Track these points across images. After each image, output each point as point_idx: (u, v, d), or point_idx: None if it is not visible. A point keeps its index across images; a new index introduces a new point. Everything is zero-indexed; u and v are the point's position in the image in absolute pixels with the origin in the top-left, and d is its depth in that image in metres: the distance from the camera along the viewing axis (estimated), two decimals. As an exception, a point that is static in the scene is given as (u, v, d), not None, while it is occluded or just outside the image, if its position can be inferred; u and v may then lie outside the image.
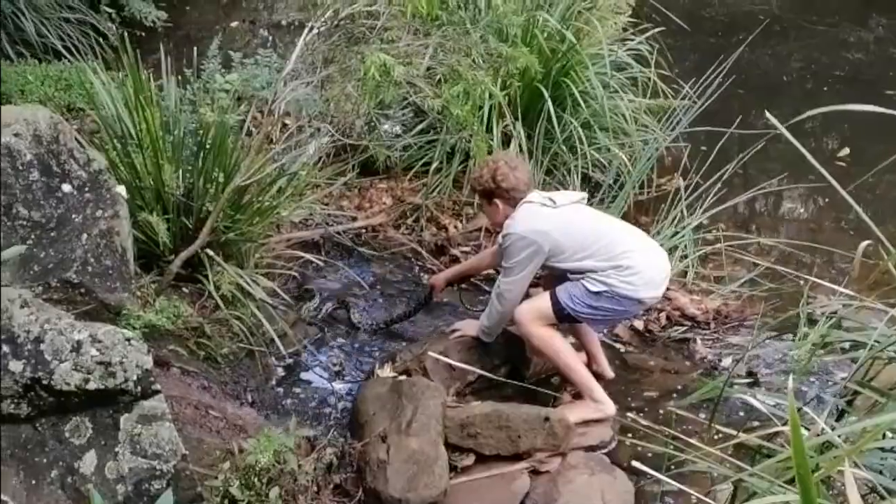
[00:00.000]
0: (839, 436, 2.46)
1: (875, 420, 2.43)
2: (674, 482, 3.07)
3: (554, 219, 4.45)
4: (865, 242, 2.83)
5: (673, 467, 3.26)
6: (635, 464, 3.78)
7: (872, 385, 2.76)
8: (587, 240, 4.44)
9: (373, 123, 6.07)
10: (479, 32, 6.00)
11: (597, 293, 4.39)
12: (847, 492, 1.54)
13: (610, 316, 4.58)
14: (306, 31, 5.57)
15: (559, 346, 4.50)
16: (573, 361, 4.53)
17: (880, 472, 2.50)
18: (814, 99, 8.27)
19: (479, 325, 4.62)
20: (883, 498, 2.31)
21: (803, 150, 2.58)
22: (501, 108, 6.03)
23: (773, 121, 2.65)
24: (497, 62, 5.93)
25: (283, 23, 9.62)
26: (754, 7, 11.12)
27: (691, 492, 3.00)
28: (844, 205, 2.70)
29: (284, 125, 5.66)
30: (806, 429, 2.61)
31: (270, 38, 9.30)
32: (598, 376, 4.69)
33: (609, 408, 4.48)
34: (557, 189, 5.63)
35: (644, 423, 4.20)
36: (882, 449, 2.60)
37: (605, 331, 5.20)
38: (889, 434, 2.54)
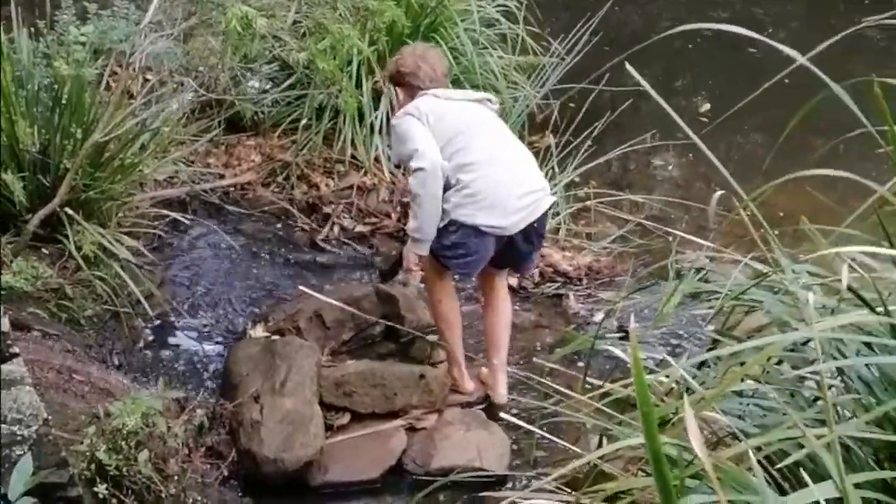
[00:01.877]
0: (701, 383, 2.55)
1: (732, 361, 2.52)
2: (546, 434, 3.15)
3: (437, 105, 4.26)
4: (719, 193, 2.91)
5: (546, 419, 3.34)
6: (507, 416, 3.87)
7: (730, 333, 2.85)
8: (447, 135, 4.15)
9: (238, 78, 5.94)
10: (343, -15, 5.95)
11: (444, 225, 4.13)
12: (688, 428, 1.60)
13: (463, 255, 4.17)
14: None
15: (443, 313, 4.37)
16: (449, 334, 4.41)
17: (740, 418, 2.60)
18: (681, 57, 8.45)
19: (408, 231, 4.30)
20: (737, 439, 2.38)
21: (665, 105, 2.62)
22: (371, 63, 5.99)
23: (637, 76, 2.69)
24: (364, 16, 5.89)
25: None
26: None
27: (562, 442, 3.06)
28: (712, 162, 2.77)
29: (146, 80, 5.50)
30: (665, 377, 2.69)
31: (127, -11, 9.02)
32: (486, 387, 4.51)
33: (468, 390, 4.45)
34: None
35: (521, 374, 4.29)
36: (740, 394, 2.71)
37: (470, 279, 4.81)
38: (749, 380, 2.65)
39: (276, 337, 4.43)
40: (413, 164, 4.09)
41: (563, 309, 5.21)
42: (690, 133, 2.68)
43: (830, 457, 1.79)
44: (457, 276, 4.51)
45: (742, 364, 2.64)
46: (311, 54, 5.49)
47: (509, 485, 4.00)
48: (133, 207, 4.71)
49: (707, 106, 7.78)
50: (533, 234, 4.25)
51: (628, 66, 2.68)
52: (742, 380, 2.55)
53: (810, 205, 3.58)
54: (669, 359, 2.62)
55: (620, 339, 4.87)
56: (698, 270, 3.63)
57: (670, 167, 7.16)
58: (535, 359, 4.70)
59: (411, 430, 4.19)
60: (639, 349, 1.49)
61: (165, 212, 4.89)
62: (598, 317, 5.13)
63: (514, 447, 4.17)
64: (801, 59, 2.40)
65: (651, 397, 1.28)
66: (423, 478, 3.85)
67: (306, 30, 5.80)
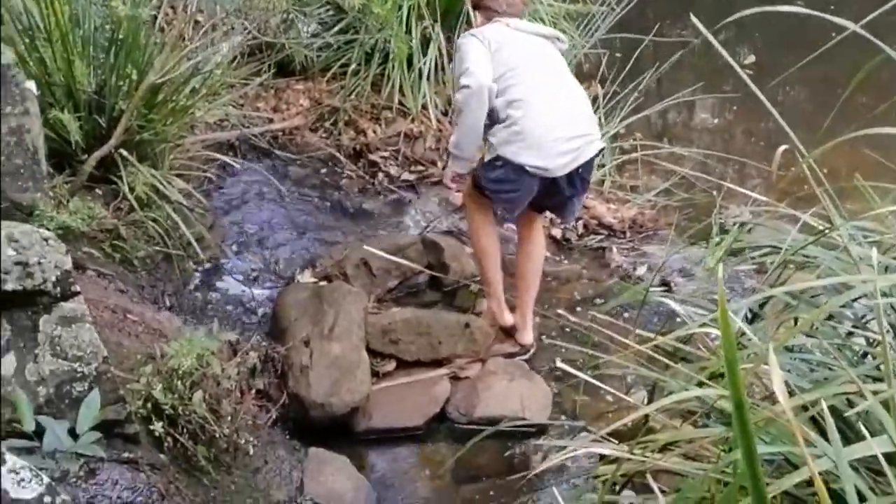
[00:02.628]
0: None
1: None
2: (593, 380, 3.19)
3: (503, 33, 4.28)
4: (783, 147, 2.92)
5: (590, 371, 3.39)
6: (559, 363, 3.92)
7: (782, 289, 2.88)
8: (505, 65, 4.17)
9: (290, 21, 5.95)
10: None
11: (490, 159, 4.18)
12: (773, 381, 1.64)
13: (507, 192, 4.20)
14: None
15: (482, 244, 4.42)
16: (487, 266, 4.44)
17: (788, 372, 2.65)
18: (727, 8, 8.35)
19: (449, 147, 4.39)
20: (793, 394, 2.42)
21: (724, 53, 2.64)
22: (420, 8, 5.98)
23: (698, 23, 2.70)
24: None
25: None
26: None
27: (610, 389, 3.11)
28: (755, 115, 2.79)
29: (197, 22, 5.53)
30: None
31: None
32: (509, 333, 4.53)
33: (507, 323, 4.48)
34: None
35: (573, 320, 4.34)
36: (790, 350, 2.76)
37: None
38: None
39: (323, 283, 4.51)
40: (461, 81, 4.12)
41: (606, 261, 5.25)
42: (751, 83, 2.70)
43: (888, 414, 1.84)
44: (498, 212, 4.53)
45: (796, 320, 2.70)
46: (368, -1, 5.51)
47: (552, 433, 4.07)
48: (185, 150, 4.76)
49: (752, 58, 7.72)
50: (577, 178, 4.23)
51: (693, 18, 2.70)
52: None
53: (860, 163, 3.60)
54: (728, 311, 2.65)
55: (664, 293, 4.91)
56: (742, 225, 3.67)
57: (715, 120, 7.14)
58: (578, 309, 4.76)
59: (455, 378, 4.26)
60: (724, 292, 1.52)
61: (216, 155, 4.94)
62: (641, 270, 5.17)
63: (557, 399, 4.24)
64: (854, 27, 2.41)
65: (731, 343, 1.31)
66: (466, 426, 3.94)
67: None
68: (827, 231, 2.64)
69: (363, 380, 3.99)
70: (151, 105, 4.49)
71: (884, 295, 2.27)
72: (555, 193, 4.24)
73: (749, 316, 3.20)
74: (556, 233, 5.35)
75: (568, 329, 4.58)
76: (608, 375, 3.48)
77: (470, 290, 4.71)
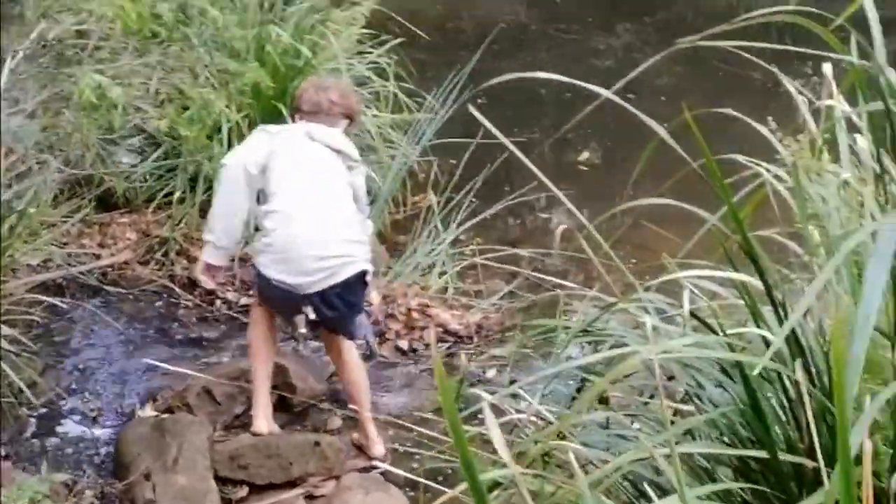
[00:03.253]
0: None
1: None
2: (445, 489, 3.47)
3: (291, 137, 4.58)
4: (562, 227, 3.35)
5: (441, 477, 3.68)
6: (411, 475, 4.20)
7: (596, 371, 3.23)
8: (276, 172, 4.44)
9: (104, 154, 6.19)
10: (203, 48, 6.28)
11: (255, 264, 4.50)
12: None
13: (267, 298, 4.52)
14: (9, 56, 5.63)
15: (251, 343, 4.66)
16: (253, 367, 4.66)
17: (607, 450, 3.01)
18: (571, 108, 8.95)
19: (203, 232, 4.70)
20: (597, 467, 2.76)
21: (523, 157, 3.01)
22: (241, 128, 6.24)
23: (484, 121, 3.04)
24: (225, 79, 6.23)
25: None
26: (503, 17, 11.82)
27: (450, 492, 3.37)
28: (593, 211, 3.18)
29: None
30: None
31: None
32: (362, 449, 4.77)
33: (260, 430, 4.59)
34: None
35: (424, 431, 4.63)
36: (607, 426, 3.14)
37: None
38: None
39: (165, 415, 4.70)
40: (221, 161, 4.53)
41: (456, 368, 5.59)
42: (549, 182, 3.07)
43: (672, 470, 2.19)
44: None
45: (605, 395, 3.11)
46: (172, 122, 5.81)
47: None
48: (7, 295, 4.92)
49: (586, 154, 8.34)
50: (335, 299, 4.44)
51: (473, 110, 2.94)
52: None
53: (669, 242, 4.04)
54: (524, 394, 3.01)
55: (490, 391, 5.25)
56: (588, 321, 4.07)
57: (554, 219, 7.64)
58: (431, 416, 5.04)
59: (310, 497, 4.47)
60: (444, 375, 1.79)
61: (42, 297, 5.11)
62: (491, 373, 5.53)
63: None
64: (606, 94, 2.80)
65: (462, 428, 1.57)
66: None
67: (166, 97, 6.10)
68: (615, 304, 3.02)
69: (214, 509, 4.19)
70: (-35, 250, 4.65)
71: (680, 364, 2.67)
72: (317, 311, 4.47)
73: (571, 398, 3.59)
74: (403, 344, 5.68)
75: (423, 439, 4.87)
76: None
77: (320, 409, 4.98)
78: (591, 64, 10.71)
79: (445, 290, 6.19)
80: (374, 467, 4.71)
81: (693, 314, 2.75)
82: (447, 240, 6.36)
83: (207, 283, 4.93)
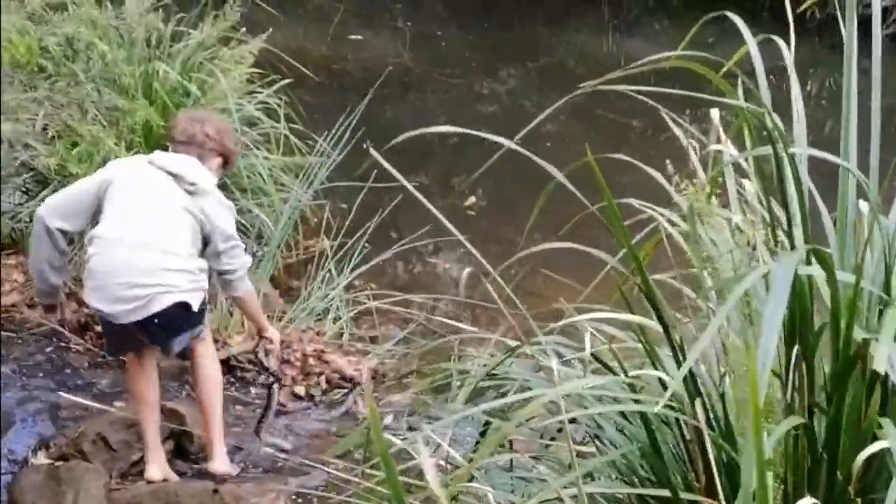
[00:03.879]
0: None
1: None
2: None
3: (134, 166, 4.82)
4: (467, 270, 3.61)
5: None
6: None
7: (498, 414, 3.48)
8: (109, 200, 4.61)
9: (-13, 192, 6.26)
10: (91, 84, 6.43)
11: None
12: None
13: (104, 333, 4.95)
14: None
15: (132, 393, 4.89)
16: (142, 422, 4.81)
17: (512, 492, 3.27)
18: (459, 151, 9.28)
19: None
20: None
21: (422, 198, 3.26)
22: None
23: (385, 164, 3.28)
24: (115, 116, 6.38)
25: None
26: (388, 60, 12.14)
27: None
28: (487, 256, 3.40)
29: None
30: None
31: None
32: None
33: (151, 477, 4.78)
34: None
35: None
36: (511, 469, 3.41)
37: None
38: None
39: (59, 463, 4.81)
40: None
41: (352, 414, 5.81)
42: (453, 229, 3.30)
43: None
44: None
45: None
46: (62, 159, 5.94)
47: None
48: None
49: (472, 199, 8.67)
50: (155, 328, 4.60)
51: (377, 156, 3.24)
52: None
53: (562, 287, 4.34)
54: (434, 437, 3.24)
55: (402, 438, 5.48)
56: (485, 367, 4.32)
57: (447, 264, 7.94)
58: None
59: (209, 547, 4.64)
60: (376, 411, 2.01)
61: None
62: (388, 419, 5.75)
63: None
64: (509, 144, 3.06)
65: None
66: None
67: (55, 133, 6.23)
68: (518, 347, 3.28)
69: (112, 560, 4.32)
70: None
71: (578, 405, 2.95)
72: (135, 338, 4.68)
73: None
74: (300, 390, 5.87)
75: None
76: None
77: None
78: (476, 110, 11.11)
79: (341, 335, 6.40)
80: (273, 513, 4.90)
81: (594, 356, 3.04)
82: (341, 285, 6.57)
83: (50, 320, 5.37)
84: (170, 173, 4.66)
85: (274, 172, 7.31)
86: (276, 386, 5.38)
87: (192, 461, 5.04)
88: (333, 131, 7.45)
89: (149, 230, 4.58)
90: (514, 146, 3.04)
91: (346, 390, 6.01)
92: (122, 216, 4.59)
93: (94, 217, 4.69)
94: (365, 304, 6.56)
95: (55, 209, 4.70)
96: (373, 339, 6.47)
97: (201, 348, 4.85)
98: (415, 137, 3.21)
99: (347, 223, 6.98)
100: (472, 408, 3.23)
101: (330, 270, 6.66)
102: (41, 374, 5.65)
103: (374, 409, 1.36)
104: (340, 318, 6.44)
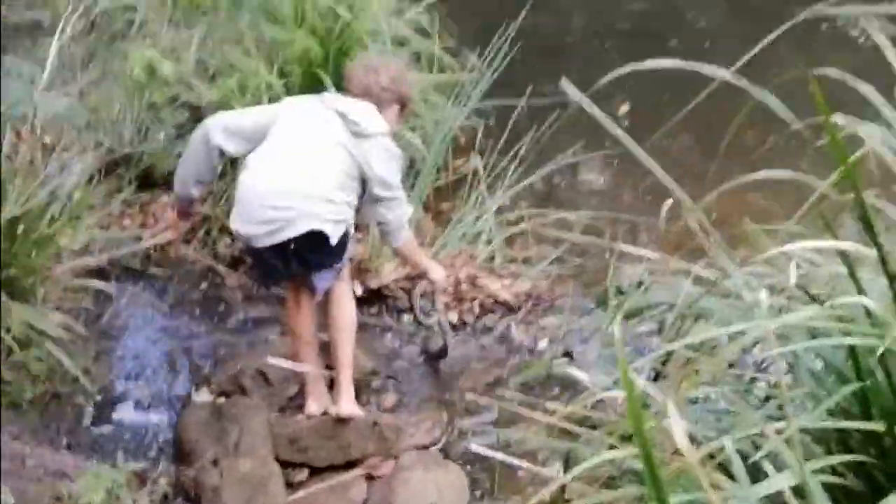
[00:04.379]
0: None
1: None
2: (507, 457, 3.72)
3: (306, 107, 4.91)
4: (669, 201, 3.52)
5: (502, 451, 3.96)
6: (473, 447, 4.48)
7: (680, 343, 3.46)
8: (272, 135, 4.76)
9: (146, 130, 6.46)
10: (248, 17, 6.55)
11: None
12: (675, 433, 2.14)
13: (254, 263, 5.11)
14: (58, 31, 5.91)
15: (290, 328, 5.07)
16: (300, 357, 4.98)
17: (696, 423, 3.26)
18: (600, 58, 9.15)
19: None
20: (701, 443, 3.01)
21: (599, 115, 3.21)
22: (289, 91, 6.41)
23: (574, 90, 3.24)
24: (272, 49, 6.49)
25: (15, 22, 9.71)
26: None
27: (523, 465, 3.59)
28: (640, 169, 3.33)
29: (44, 144, 5.99)
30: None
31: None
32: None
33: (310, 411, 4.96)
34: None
35: (482, 402, 4.92)
36: (695, 402, 3.37)
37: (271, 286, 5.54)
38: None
39: (221, 399, 5.04)
40: None
41: (506, 340, 5.89)
42: (628, 139, 3.24)
43: (789, 449, 2.41)
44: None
45: (696, 371, 3.30)
46: (224, 95, 6.09)
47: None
48: (55, 281, 5.25)
49: (626, 108, 8.53)
50: (291, 256, 4.67)
51: (564, 81, 3.15)
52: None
53: (748, 208, 4.25)
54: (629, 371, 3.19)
55: (567, 363, 5.54)
56: (639, 285, 4.31)
57: (601, 179, 7.88)
58: (488, 394, 5.35)
59: (370, 478, 4.80)
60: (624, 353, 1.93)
61: (89, 282, 5.41)
62: (543, 344, 5.82)
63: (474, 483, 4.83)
64: (725, 76, 3.00)
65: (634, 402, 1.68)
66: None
67: (214, 70, 6.37)
68: (718, 281, 3.18)
69: (277, 492, 4.52)
70: (13, 238, 4.96)
71: (779, 337, 2.87)
72: (275, 267, 4.78)
73: (653, 374, 3.83)
74: (453, 316, 5.97)
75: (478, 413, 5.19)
76: (522, 452, 4.07)
77: (373, 387, 5.31)
78: (622, 9, 10.81)
79: (493, 258, 6.44)
80: (433, 444, 5.04)
81: (800, 288, 2.89)
82: (493, 206, 6.58)
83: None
84: (338, 112, 4.76)
85: (426, 93, 7.32)
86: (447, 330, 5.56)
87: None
88: (488, 49, 7.39)
89: (301, 158, 4.69)
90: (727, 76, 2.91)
91: (499, 315, 6.07)
92: (277, 146, 4.71)
93: (255, 148, 4.80)
94: (517, 224, 6.57)
95: (221, 125, 4.81)
96: (525, 261, 6.48)
97: (338, 288, 4.92)
98: (551, 43, 3.11)
99: (501, 142, 6.97)
100: (675, 343, 3.17)
101: (482, 192, 6.67)
102: (199, 312, 5.89)
103: (623, 357, 1.27)
104: (492, 241, 6.47)
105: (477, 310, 6.07)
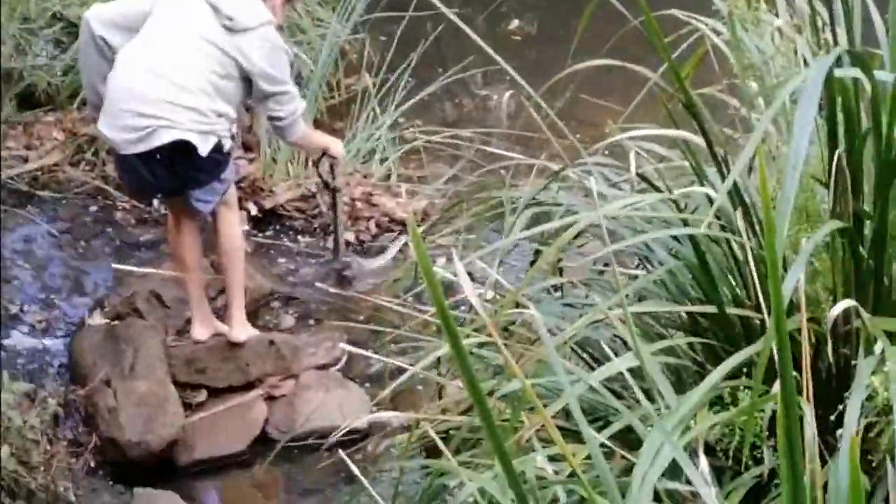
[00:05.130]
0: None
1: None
2: (388, 360, 3.86)
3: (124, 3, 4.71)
4: (508, 93, 3.69)
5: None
6: (344, 346, 4.60)
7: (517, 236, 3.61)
8: (145, 27, 4.59)
9: (21, 46, 6.37)
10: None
11: None
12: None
13: (120, 174, 4.99)
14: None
15: (173, 253, 5.11)
16: (186, 282, 5.01)
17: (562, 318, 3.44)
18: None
19: None
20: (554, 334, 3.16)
21: (471, 33, 3.35)
22: None
23: (446, 10, 3.37)
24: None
25: None
26: None
27: (403, 364, 3.64)
28: (534, 84, 3.49)
29: None
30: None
31: None
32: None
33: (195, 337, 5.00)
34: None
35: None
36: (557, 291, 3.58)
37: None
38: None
39: (115, 322, 5.10)
40: None
41: (405, 257, 6.02)
42: (496, 56, 3.39)
43: (625, 329, 2.61)
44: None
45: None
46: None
47: (375, 436, 4.79)
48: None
49: (516, 22, 8.67)
50: (158, 168, 4.54)
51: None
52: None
53: (610, 112, 4.41)
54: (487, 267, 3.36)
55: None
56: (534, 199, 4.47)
57: (495, 96, 8.02)
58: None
59: (271, 398, 4.92)
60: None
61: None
62: (441, 262, 5.94)
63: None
64: None
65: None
66: (291, 444, 4.61)
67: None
68: (562, 170, 3.44)
69: (176, 412, 4.62)
70: None
71: (627, 227, 3.08)
72: (144, 178, 4.64)
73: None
74: (350, 236, 6.06)
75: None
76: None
77: (270, 308, 5.41)
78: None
79: (388, 176, 6.56)
80: (332, 364, 5.17)
81: (640, 176, 3.16)
82: (386, 123, 6.67)
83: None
84: (210, 4, 4.57)
85: (310, 7, 7.35)
86: (339, 198, 5.61)
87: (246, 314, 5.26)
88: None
89: (163, 59, 4.53)
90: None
91: (396, 233, 6.20)
92: (144, 42, 4.56)
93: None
94: (412, 142, 6.68)
95: (101, 15, 4.62)
96: (421, 179, 6.61)
97: (224, 212, 4.82)
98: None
99: (389, 57, 7.05)
100: (516, 235, 3.34)
101: (374, 109, 6.75)
102: (90, 235, 5.91)
103: (420, 244, 1.39)
104: (387, 159, 6.58)
105: (374, 229, 6.19)
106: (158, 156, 4.48)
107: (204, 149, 4.51)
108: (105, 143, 5.17)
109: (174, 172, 4.56)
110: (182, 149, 4.48)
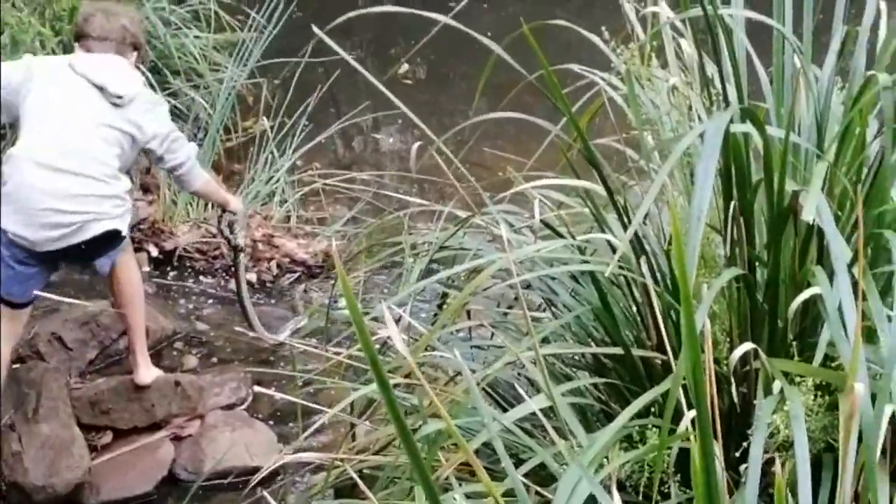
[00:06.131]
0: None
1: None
2: (299, 400, 3.93)
3: (56, 71, 4.59)
4: (417, 144, 3.82)
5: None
6: (256, 388, 4.66)
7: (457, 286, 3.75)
8: (27, 113, 4.48)
9: None
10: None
11: None
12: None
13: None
14: None
15: None
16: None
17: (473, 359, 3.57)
18: (394, 21, 9.38)
19: None
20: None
21: (368, 76, 3.47)
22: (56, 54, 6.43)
23: (333, 45, 3.47)
24: (41, 3, 6.46)
25: None
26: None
27: (308, 403, 3.88)
28: (430, 129, 3.60)
29: None
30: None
31: None
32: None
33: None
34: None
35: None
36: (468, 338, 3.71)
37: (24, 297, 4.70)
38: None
39: (17, 365, 5.07)
40: None
41: (306, 299, 6.10)
42: (397, 100, 3.49)
43: (536, 370, 2.74)
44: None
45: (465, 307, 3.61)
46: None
47: (281, 476, 4.84)
48: None
49: (406, 66, 8.82)
50: (78, 253, 4.57)
51: (325, 38, 3.34)
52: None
53: (512, 162, 4.56)
54: (396, 308, 3.47)
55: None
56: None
57: (390, 139, 8.16)
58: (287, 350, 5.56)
59: (177, 438, 4.94)
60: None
61: None
62: (343, 302, 6.03)
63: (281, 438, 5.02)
64: (445, 20, 3.26)
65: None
66: (198, 483, 4.64)
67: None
68: (470, 217, 3.55)
69: (81, 455, 4.59)
70: None
71: (531, 271, 3.22)
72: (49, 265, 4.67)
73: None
74: (252, 277, 6.12)
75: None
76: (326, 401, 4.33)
77: (173, 348, 5.43)
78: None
79: (288, 218, 6.65)
80: (238, 404, 5.21)
81: (544, 223, 3.30)
82: (284, 166, 6.78)
83: None
84: (94, 84, 4.54)
85: (206, 52, 7.44)
86: (241, 258, 5.61)
87: (150, 356, 5.28)
88: (265, 5, 7.54)
89: (71, 153, 4.46)
90: (449, 21, 3.21)
91: (297, 274, 6.27)
92: (41, 135, 4.48)
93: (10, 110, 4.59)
94: (310, 185, 6.78)
95: None
96: (321, 221, 6.71)
97: (121, 256, 4.77)
98: (342, 9, 3.35)
99: (287, 102, 7.15)
100: (428, 280, 3.47)
101: (272, 152, 6.84)
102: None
103: (347, 283, 1.44)
104: (287, 201, 6.66)
105: (275, 269, 6.27)
106: (83, 246, 4.51)
107: (126, 229, 4.64)
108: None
109: (91, 256, 4.64)
110: (108, 235, 4.55)
